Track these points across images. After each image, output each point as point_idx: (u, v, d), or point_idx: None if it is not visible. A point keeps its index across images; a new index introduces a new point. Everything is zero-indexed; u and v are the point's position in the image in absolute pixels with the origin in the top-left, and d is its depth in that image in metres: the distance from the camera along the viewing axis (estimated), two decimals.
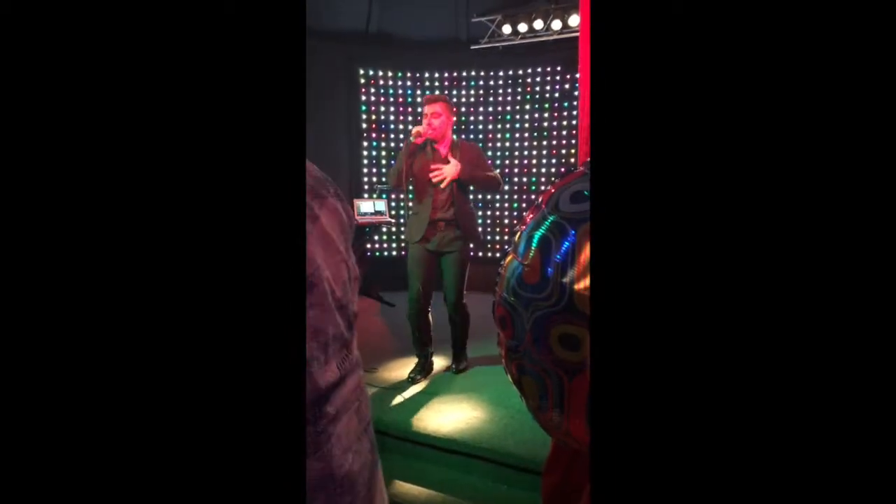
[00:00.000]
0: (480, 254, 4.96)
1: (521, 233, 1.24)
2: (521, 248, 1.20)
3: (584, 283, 1.04)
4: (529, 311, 1.11)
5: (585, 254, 1.06)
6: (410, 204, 2.71)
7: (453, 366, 2.84)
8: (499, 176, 2.73)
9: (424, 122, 2.56)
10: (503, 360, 1.32)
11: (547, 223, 1.15)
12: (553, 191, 1.24)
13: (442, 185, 2.55)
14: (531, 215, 1.28)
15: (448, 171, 2.53)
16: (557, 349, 1.07)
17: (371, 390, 2.60)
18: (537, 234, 1.17)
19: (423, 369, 2.79)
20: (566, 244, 1.09)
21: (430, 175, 2.54)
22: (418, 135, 2.53)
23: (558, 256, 1.09)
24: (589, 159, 1.28)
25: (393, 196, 5.00)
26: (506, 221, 5.02)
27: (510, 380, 1.32)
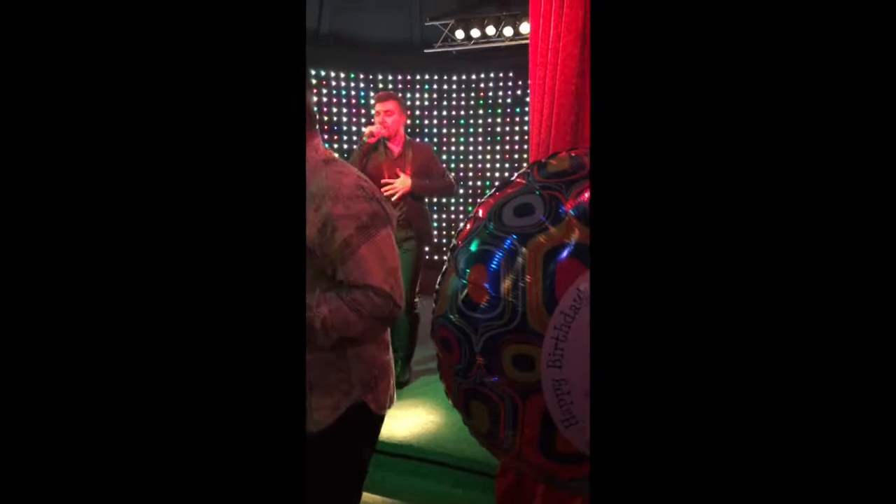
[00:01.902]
0: (436, 257, 4.96)
1: (461, 248, 1.16)
2: (462, 265, 1.12)
3: (537, 301, 0.99)
4: (479, 332, 1.04)
5: (536, 269, 1.01)
6: None
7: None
8: (450, 180, 2.72)
9: (377, 119, 2.53)
10: (446, 385, 1.25)
11: (490, 238, 1.09)
12: (493, 202, 1.19)
13: (394, 199, 2.52)
14: (469, 226, 1.22)
15: (399, 184, 2.51)
16: (510, 370, 1.02)
17: None
18: (481, 250, 1.10)
19: None
20: (515, 260, 1.03)
21: (383, 188, 2.50)
22: (371, 135, 2.49)
23: (498, 270, 1.04)
24: (525, 169, 1.26)
25: None
26: (460, 225, 5.04)
27: (452, 404, 1.26)
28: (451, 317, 1.12)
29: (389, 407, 1.14)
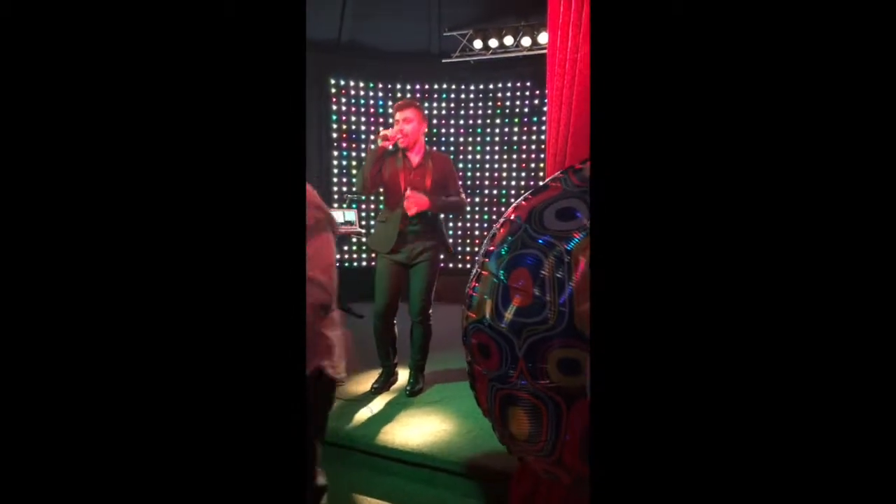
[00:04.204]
0: (451, 265, 4.96)
1: (494, 251, 1.15)
2: (499, 269, 1.10)
3: (585, 303, 0.96)
4: (522, 336, 1.02)
5: (582, 272, 0.98)
6: (378, 210, 2.65)
7: (408, 388, 2.66)
8: (464, 199, 2.69)
9: (395, 127, 2.50)
10: (478, 393, 1.23)
11: (531, 241, 1.07)
12: (527, 206, 1.17)
13: (409, 214, 2.50)
14: (504, 231, 1.19)
15: (415, 202, 2.46)
16: (556, 375, 1.00)
17: (339, 404, 2.55)
18: (520, 253, 1.08)
19: (387, 381, 2.73)
20: (559, 263, 1.01)
21: (405, 202, 2.48)
22: (385, 138, 2.44)
23: (542, 273, 1.01)
24: (559, 174, 1.26)
25: (363, 206, 4.97)
26: (476, 233, 5.04)
27: (483, 412, 1.23)
28: (491, 322, 1.08)
29: (343, 376, 1.42)
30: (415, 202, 2.47)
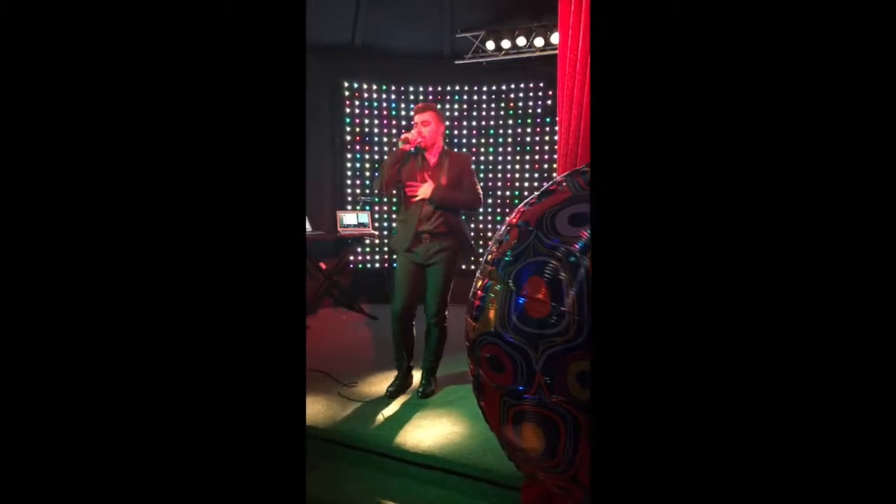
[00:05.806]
0: (463, 266, 4.96)
1: (503, 259, 1.09)
2: (511, 277, 1.05)
3: None
4: (540, 349, 0.97)
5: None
6: (395, 213, 2.68)
7: (419, 389, 2.68)
8: (478, 194, 2.68)
9: (415, 129, 2.57)
10: (487, 408, 1.15)
11: (546, 248, 1.02)
12: (536, 211, 1.13)
13: (412, 200, 2.58)
14: (511, 237, 1.13)
15: (422, 190, 2.55)
16: (575, 388, 0.96)
17: (351, 405, 2.57)
18: (534, 261, 1.03)
19: (403, 384, 2.74)
20: (578, 271, 0.96)
21: (406, 189, 2.55)
22: (406, 141, 2.52)
23: (560, 282, 0.97)
24: (560, 178, 1.24)
25: (377, 208, 4.99)
26: (489, 234, 5.03)
27: (490, 427, 1.17)
28: (504, 334, 1.03)
29: None
30: (422, 191, 2.54)
